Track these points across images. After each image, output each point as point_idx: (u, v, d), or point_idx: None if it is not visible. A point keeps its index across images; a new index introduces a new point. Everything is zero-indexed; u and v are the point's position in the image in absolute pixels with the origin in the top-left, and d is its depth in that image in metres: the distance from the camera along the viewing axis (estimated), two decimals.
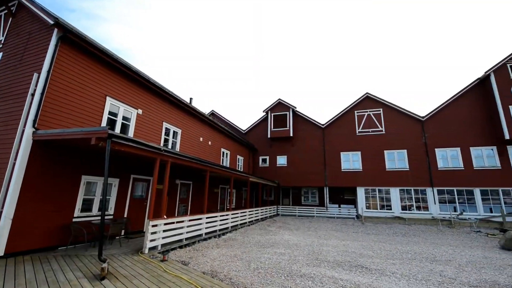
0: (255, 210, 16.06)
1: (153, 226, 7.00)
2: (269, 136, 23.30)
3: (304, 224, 15.91)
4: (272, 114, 23.69)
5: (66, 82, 7.39)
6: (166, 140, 11.95)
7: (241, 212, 13.62)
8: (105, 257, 5.89)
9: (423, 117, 19.53)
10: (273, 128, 23.34)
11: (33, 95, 6.66)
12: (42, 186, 6.58)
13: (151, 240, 6.98)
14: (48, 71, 6.89)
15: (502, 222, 14.99)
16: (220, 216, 11.15)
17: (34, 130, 6.43)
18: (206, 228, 9.79)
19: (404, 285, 5.12)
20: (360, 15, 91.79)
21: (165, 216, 7.73)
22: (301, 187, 23.61)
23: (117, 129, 9.07)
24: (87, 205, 7.87)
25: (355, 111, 21.73)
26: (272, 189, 24.11)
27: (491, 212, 16.58)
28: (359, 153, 20.67)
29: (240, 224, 13.45)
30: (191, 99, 17.97)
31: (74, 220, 7.36)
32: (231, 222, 12.18)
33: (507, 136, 16.40)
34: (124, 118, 9.46)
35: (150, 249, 6.99)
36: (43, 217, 6.58)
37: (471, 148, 17.95)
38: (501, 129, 16.77)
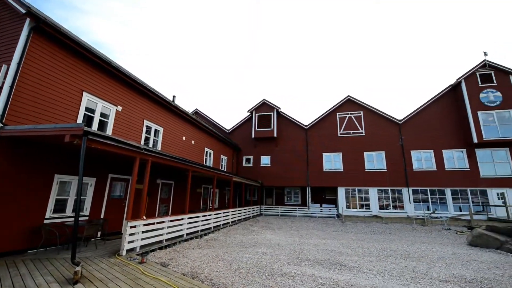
0: (238, 210, 16.03)
1: (131, 227, 6.78)
2: (253, 136, 23.35)
3: (287, 223, 16.10)
4: (257, 114, 23.76)
5: (39, 75, 6.97)
6: (147, 139, 11.62)
7: (223, 212, 13.54)
8: (79, 260, 5.63)
9: (400, 120, 20.45)
10: (258, 128, 23.41)
11: (1, 88, 6.22)
12: (9, 186, 6.16)
13: (129, 242, 6.76)
14: (19, 63, 6.46)
15: (469, 220, 16.02)
16: (202, 216, 11.01)
17: (1, 125, 6.01)
18: (187, 228, 9.63)
19: (379, 281, 5.33)
20: (346, 17, 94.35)
21: (144, 217, 7.52)
22: (284, 187, 23.88)
23: (95, 126, 8.68)
24: (60, 206, 7.46)
25: (337, 113, 22.32)
26: (256, 189, 24.18)
27: (460, 210, 17.70)
28: (340, 154, 21.25)
29: (223, 224, 13.36)
30: (174, 97, 17.60)
31: (45, 221, 6.95)
32: (214, 222, 12.07)
33: (475, 140, 17.59)
34: (102, 115, 9.09)
35: (128, 251, 6.76)
36: (11, 218, 6.16)
37: (443, 151, 19.05)
38: (470, 133, 17.96)
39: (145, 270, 5.39)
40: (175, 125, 13.87)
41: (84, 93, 8.32)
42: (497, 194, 17.49)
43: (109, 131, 9.26)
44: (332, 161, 21.34)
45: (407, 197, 18.92)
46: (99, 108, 8.90)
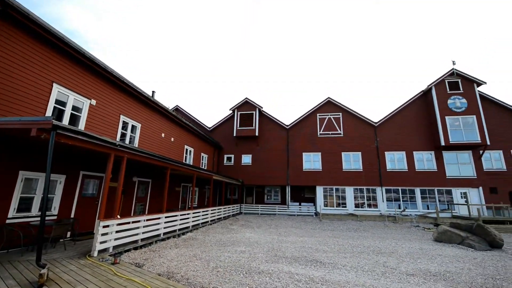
0: (218, 209, 15.92)
1: (104, 226, 6.49)
2: (235, 134, 23.25)
3: (266, 222, 16.25)
4: (239, 113, 23.69)
5: (3, 64, 6.43)
6: (123, 135, 11.17)
7: (203, 211, 13.37)
8: (45, 262, 5.30)
9: (376, 123, 21.39)
10: (239, 126, 23.36)
11: None
12: None
13: (101, 242, 6.47)
14: None
15: (436, 218, 17.17)
16: (181, 215, 10.80)
17: None
18: (164, 228, 9.40)
19: (352, 277, 5.56)
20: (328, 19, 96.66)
21: (118, 216, 7.23)
22: (265, 186, 24.07)
23: (65, 120, 8.19)
24: (25, 205, 6.97)
25: (318, 114, 22.86)
26: (236, 187, 24.13)
27: (428, 208, 18.92)
28: (319, 154, 21.80)
29: (202, 223, 13.20)
30: (153, 92, 17.03)
31: (8, 221, 6.46)
32: (192, 221, 11.89)
33: (442, 143, 18.87)
34: (74, 108, 8.59)
35: (100, 251, 6.47)
36: None
37: (414, 152, 20.22)
38: (438, 137, 19.22)
39: (118, 271, 5.19)
40: (154, 121, 13.46)
41: (55, 85, 7.81)
42: (461, 193, 18.90)
43: (81, 125, 8.78)
44: (312, 161, 21.83)
45: (380, 196, 19.87)
46: (70, 101, 8.40)
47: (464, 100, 19.44)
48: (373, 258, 7.41)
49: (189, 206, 17.55)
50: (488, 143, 18.40)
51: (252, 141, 23.54)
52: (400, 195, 19.66)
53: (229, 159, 23.84)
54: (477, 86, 19.73)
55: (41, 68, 7.44)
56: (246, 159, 23.36)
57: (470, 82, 19.80)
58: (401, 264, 6.81)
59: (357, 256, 7.54)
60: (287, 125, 23.19)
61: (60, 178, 8.03)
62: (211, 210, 14.57)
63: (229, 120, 25.03)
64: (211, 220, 14.51)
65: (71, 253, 6.50)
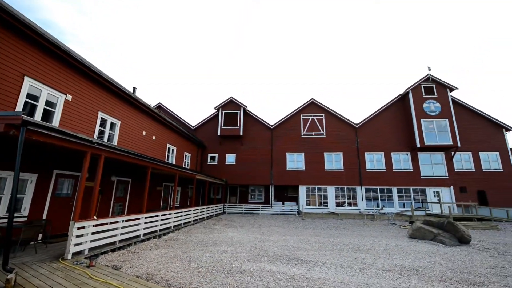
0: (201, 209, 15.73)
1: (79, 228, 6.21)
2: (219, 133, 23.06)
3: (249, 221, 16.27)
4: (223, 112, 23.52)
5: None
6: (101, 132, 10.72)
7: (185, 211, 13.16)
8: (13, 266, 4.99)
9: (357, 124, 22.08)
10: (224, 126, 23.19)
11: None
12: None
13: (76, 244, 6.18)
14: None
15: (411, 216, 18.03)
16: (162, 215, 10.56)
17: None
18: (144, 228, 9.15)
19: (332, 273, 5.71)
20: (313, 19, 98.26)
21: (95, 217, 6.94)
22: (249, 185, 24.09)
23: (38, 116, 7.73)
24: None
25: (301, 115, 23.22)
26: (220, 187, 23.95)
27: (404, 207, 19.82)
28: (302, 153, 22.16)
29: (184, 223, 12.98)
30: (134, 88, 16.48)
31: None
32: (174, 222, 11.66)
33: (418, 144, 19.85)
34: (48, 103, 8.12)
35: (74, 254, 6.18)
36: None
37: (392, 153, 21.11)
38: (414, 138, 20.19)
39: (94, 274, 4.99)
40: (135, 118, 13.04)
41: (26, 78, 7.34)
42: (434, 192, 19.98)
43: (56, 122, 8.32)
44: (295, 161, 22.14)
45: (360, 195, 20.54)
46: (44, 95, 7.94)
47: (438, 104, 20.55)
48: (352, 255, 7.65)
49: (171, 206, 17.17)
50: (459, 145, 19.59)
51: (236, 141, 23.46)
52: (379, 194, 20.44)
53: (213, 158, 23.61)
54: (450, 91, 20.93)
55: (11, 60, 6.96)
56: (230, 158, 23.24)
57: (444, 88, 20.97)
58: (378, 260, 7.09)
59: (337, 254, 7.76)
60: (271, 125, 23.35)
61: (31, 177, 7.57)
62: (194, 210, 14.36)
63: (213, 119, 24.78)
64: (193, 220, 14.31)
65: (43, 256, 6.15)
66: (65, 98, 8.71)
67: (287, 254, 7.51)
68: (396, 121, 21.80)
